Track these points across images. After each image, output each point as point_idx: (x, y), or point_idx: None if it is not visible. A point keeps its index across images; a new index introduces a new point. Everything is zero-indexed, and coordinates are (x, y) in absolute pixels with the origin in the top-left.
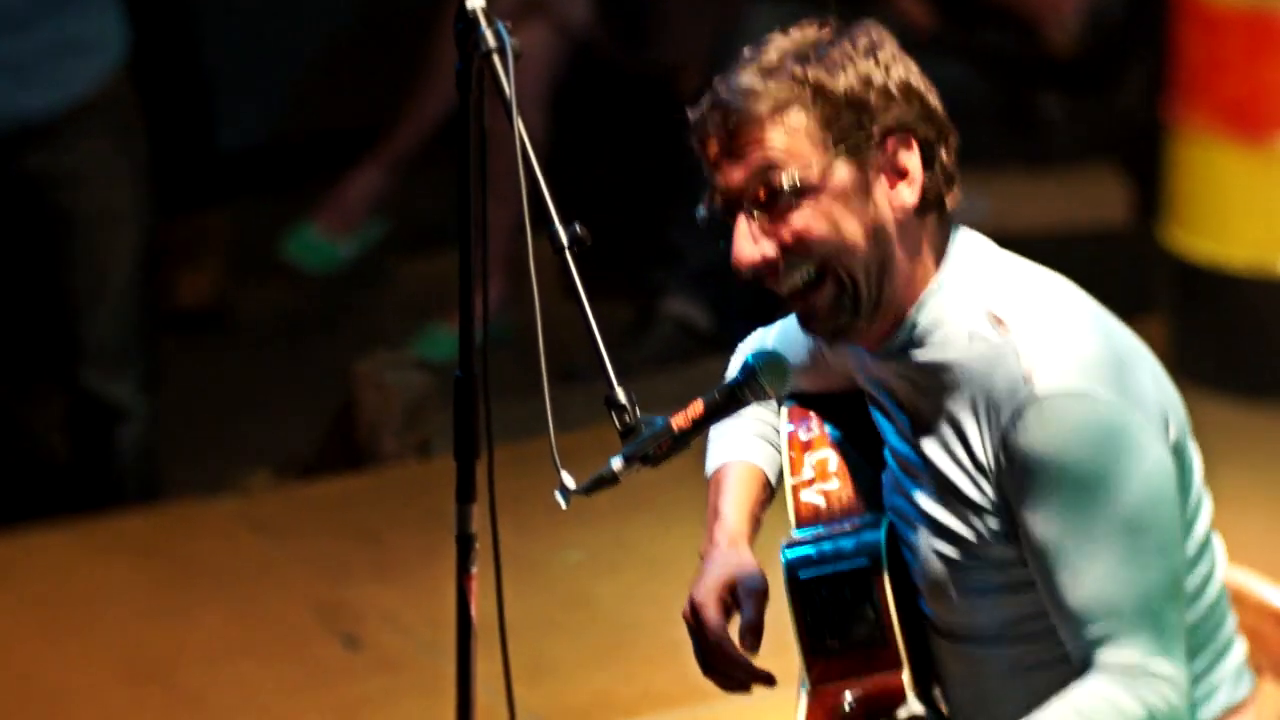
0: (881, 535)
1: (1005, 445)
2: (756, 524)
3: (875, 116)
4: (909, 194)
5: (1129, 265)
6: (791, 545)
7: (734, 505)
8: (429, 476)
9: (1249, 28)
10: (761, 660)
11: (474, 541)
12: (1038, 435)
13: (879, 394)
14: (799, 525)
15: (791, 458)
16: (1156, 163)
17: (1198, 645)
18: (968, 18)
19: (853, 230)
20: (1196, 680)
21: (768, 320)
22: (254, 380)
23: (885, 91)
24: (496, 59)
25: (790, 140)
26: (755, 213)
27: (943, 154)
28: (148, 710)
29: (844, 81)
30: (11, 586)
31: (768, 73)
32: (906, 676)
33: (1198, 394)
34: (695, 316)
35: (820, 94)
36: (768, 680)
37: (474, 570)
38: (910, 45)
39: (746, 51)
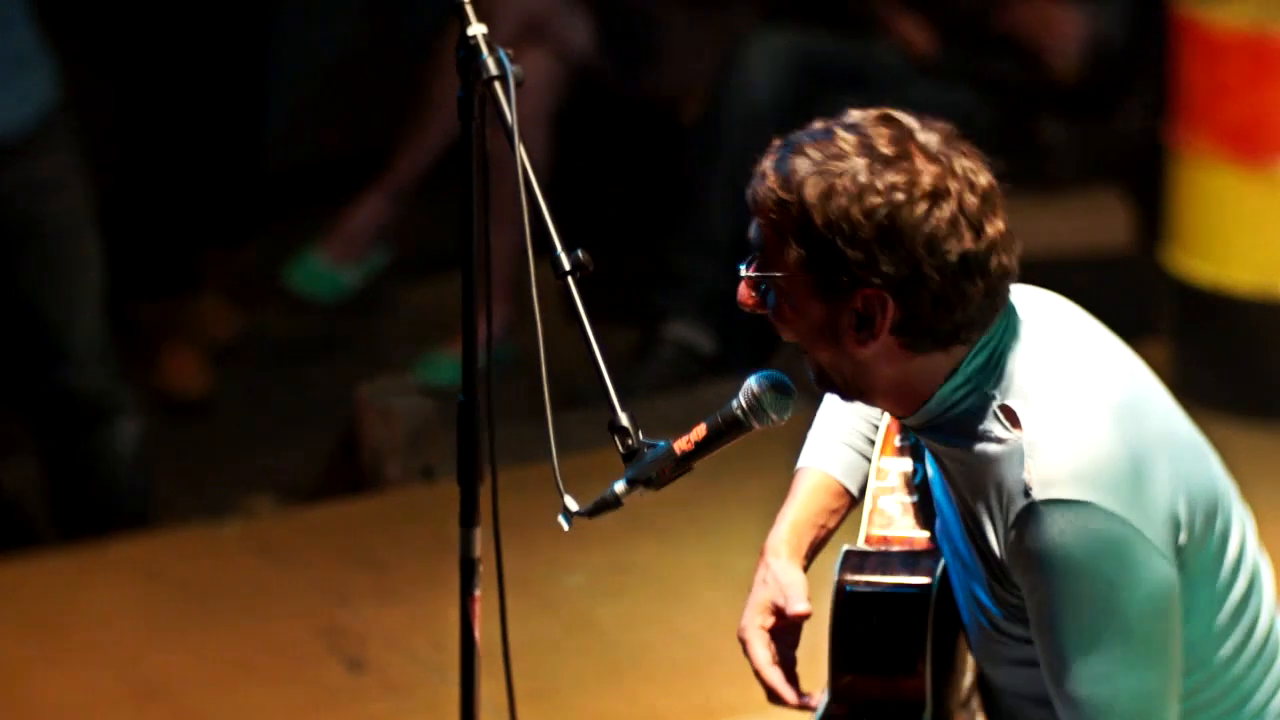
0: (938, 570)
1: (1009, 545)
2: (822, 533)
3: (845, 265)
4: (873, 342)
5: (1132, 289)
6: (850, 554)
7: (794, 515)
8: (432, 500)
9: (1250, 52)
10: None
11: (477, 565)
12: (1036, 541)
13: (928, 459)
14: (870, 529)
15: (879, 469)
16: (1159, 187)
17: (1236, 704)
18: (971, 44)
19: (811, 338)
20: None
21: (771, 345)
22: (258, 405)
23: (868, 242)
24: (498, 86)
25: (774, 242)
26: (750, 270)
27: (938, 314)
28: None
29: (827, 216)
30: (15, 610)
31: (802, 163)
32: (928, 714)
33: (1199, 417)
34: (698, 340)
35: (804, 218)
36: (810, 708)
37: (477, 593)
38: (913, 73)
39: (842, 119)
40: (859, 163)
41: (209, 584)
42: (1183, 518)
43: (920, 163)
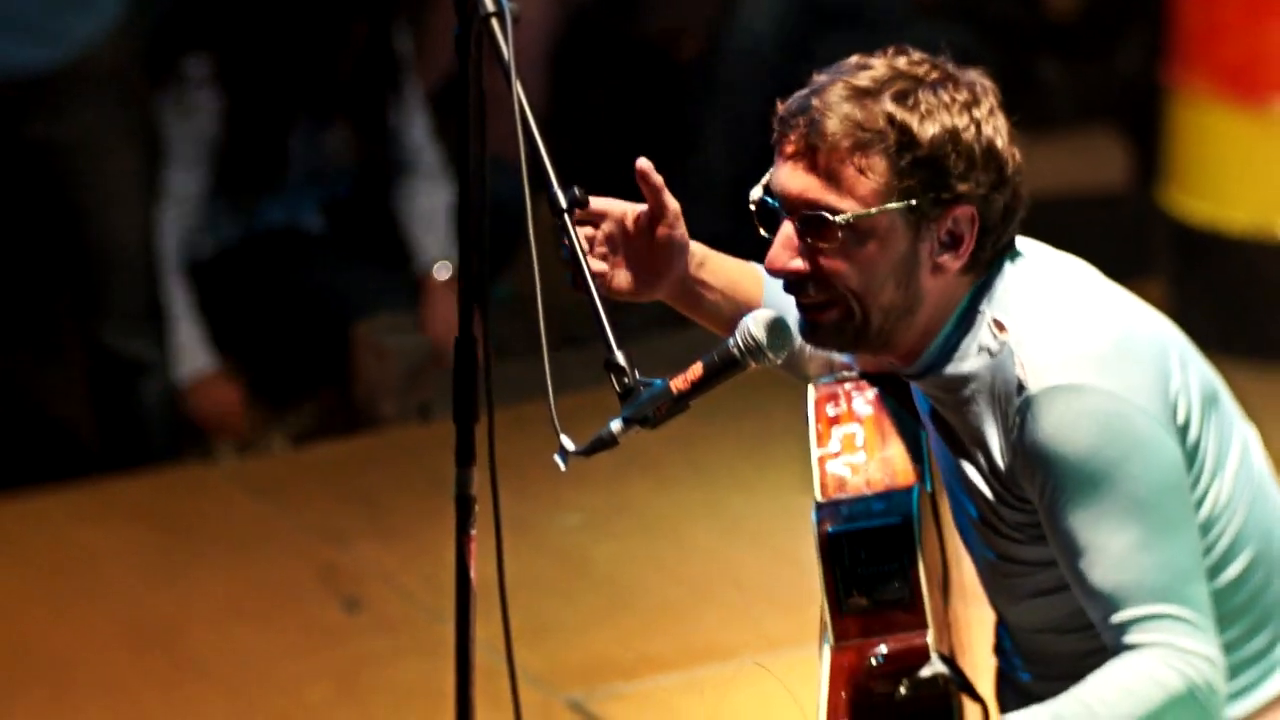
0: (914, 497)
1: (1014, 447)
2: (708, 273)
3: (949, 182)
4: (953, 262)
5: (1128, 228)
6: (821, 505)
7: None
8: (428, 439)
9: None
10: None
11: (473, 503)
12: (1037, 432)
13: (919, 402)
14: (824, 494)
15: (819, 430)
16: (1155, 126)
17: (1257, 620)
18: None
19: (883, 278)
20: (1257, 657)
21: None
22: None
23: (969, 154)
24: (495, 23)
25: (860, 180)
26: (801, 227)
27: (1003, 225)
28: (149, 674)
29: (931, 134)
30: (13, 551)
31: (862, 96)
32: (931, 637)
33: None
34: None
35: (905, 143)
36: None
37: (473, 532)
38: (912, 11)
39: (852, 61)
40: (923, 85)
41: (205, 524)
42: (1178, 395)
43: (966, 84)
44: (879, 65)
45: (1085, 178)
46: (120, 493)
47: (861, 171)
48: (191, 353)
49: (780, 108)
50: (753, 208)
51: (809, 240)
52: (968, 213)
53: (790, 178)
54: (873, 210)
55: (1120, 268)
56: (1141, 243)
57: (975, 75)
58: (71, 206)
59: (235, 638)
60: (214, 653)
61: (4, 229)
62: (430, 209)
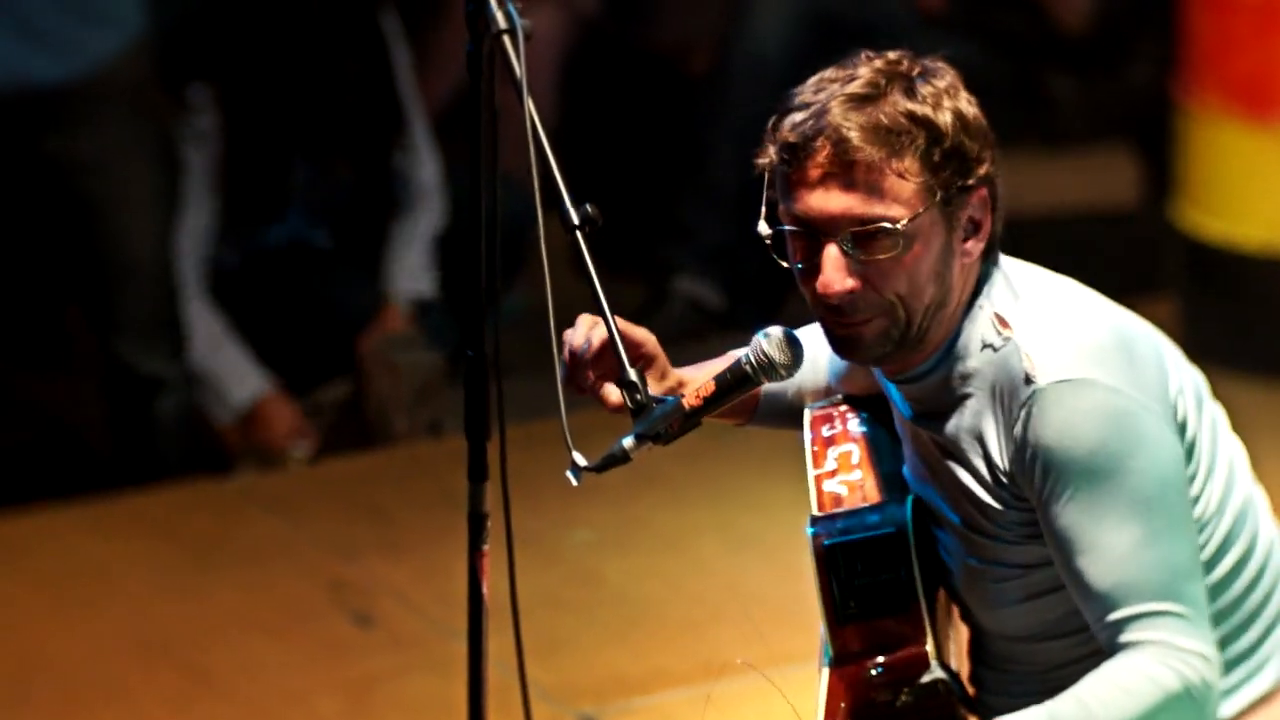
0: (908, 509)
1: (1016, 441)
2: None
3: (971, 166)
4: (977, 247)
5: (1140, 244)
6: (816, 519)
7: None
8: (440, 456)
9: (1259, 7)
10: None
11: (486, 520)
12: (1043, 426)
13: (901, 410)
14: (820, 509)
15: (814, 451)
16: (1167, 142)
17: (1244, 619)
18: None
19: (927, 277)
20: (1244, 656)
21: (778, 298)
22: None
23: (977, 134)
24: (507, 40)
25: (900, 186)
26: (851, 245)
27: (1001, 206)
28: (159, 687)
29: (947, 122)
30: (25, 564)
31: (871, 102)
32: (930, 645)
33: (1207, 372)
34: (706, 295)
35: (933, 137)
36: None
37: (485, 548)
38: (921, 25)
39: (828, 74)
40: (913, 78)
41: (216, 538)
42: (1178, 395)
43: (939, 70)
44: (863, 70)
45: (1097, 194)
46: (133, 507)
47: (901, 176)
48: (245, 376)
49: (784, 135)
50: (767, 241)
51: (861, 256)
52: (982, 195)
53: (826, 200)
54: (920, 211)
55: (1132, 284)
56: (1153, 259)
57: (939, 60)
58: (88, 221)
59: (247, 652)
60: (226, 667)
61: (21, 243)
62: (407, 238)
